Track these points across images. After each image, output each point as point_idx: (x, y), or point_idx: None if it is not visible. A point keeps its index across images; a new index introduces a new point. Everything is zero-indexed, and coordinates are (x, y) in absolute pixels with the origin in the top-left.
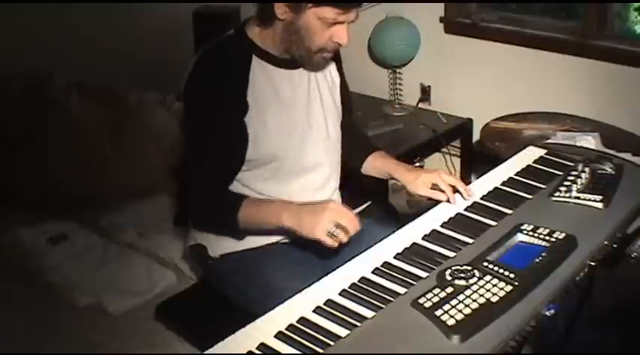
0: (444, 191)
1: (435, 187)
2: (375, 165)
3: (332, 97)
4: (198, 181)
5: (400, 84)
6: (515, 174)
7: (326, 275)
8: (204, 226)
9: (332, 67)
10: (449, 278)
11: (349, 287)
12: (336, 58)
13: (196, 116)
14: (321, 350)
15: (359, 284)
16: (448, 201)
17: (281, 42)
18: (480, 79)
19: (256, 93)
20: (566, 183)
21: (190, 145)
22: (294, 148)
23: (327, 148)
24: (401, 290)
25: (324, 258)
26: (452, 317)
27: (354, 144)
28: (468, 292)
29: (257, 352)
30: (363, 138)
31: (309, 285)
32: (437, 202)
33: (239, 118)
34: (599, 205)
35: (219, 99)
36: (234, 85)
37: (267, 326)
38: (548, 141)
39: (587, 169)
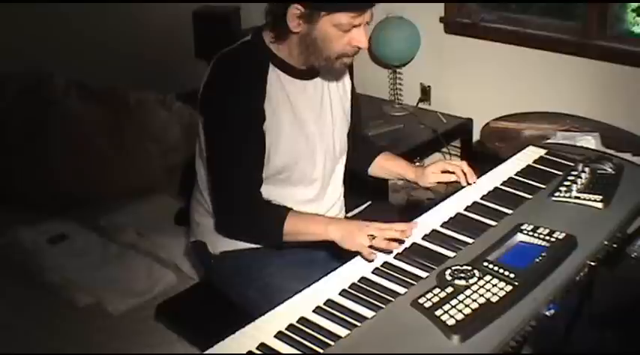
0: (454, 172)
1: (444, 173)
2: (385, 166)
3: (342, 107)
4: (229, 193)
5: (400, 84)
6: (515, 174)
7: (326, 275)
8: (239, 235)
9: (346, 76)
10: (449, 278)
11: (349, 287)
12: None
13: (220, 127)
14: (321, 350)
15: (359, 284)
16: (458, 183)
17: (299, 54)
18: (480, 79)
19: (272, 103)
20: (566, 183)
21: (217, 157)
22: (304, 159)
23: (332, 160)
24: (401, 290)
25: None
26: (452, 317)
27: (359, 148)
28: (468, 292)
29: (257, 352)
30: (367, 141)
31: (309, 285)
32: (437, 202)
33: (259, 127)
34: (599, 205)
35: (240, 108)
36: (253, 94)
37: (267, 326)
38: (548, 141)
39: (587, 169)
